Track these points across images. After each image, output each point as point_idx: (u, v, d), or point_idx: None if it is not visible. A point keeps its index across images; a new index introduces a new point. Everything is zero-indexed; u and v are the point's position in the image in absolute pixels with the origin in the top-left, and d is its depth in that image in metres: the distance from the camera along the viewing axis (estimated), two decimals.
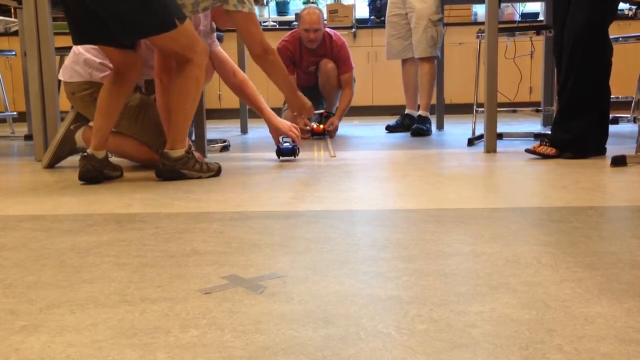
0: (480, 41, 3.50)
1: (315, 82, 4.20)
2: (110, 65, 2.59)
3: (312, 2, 6.76)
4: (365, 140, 3.74)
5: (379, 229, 1.47)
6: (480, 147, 3.17)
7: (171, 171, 2.27)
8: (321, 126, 3.90)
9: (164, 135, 2.57)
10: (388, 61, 4.49)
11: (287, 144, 2.84)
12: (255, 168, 2.61)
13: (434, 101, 4.35)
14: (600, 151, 2.74)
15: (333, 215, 1.63)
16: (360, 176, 2.31)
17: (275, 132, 2.91)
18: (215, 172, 2.37)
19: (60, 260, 1.26)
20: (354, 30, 6.22)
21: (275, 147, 2.87)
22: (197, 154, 2.38)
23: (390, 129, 4.32)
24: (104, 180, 2.30)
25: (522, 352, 0.79)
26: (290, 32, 4.19)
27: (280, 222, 1.56)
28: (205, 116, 3.07)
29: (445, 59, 4.60)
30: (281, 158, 2.85)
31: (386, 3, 4.35)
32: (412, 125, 4.10)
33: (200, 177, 2.32)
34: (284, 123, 2.93)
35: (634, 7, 2.96)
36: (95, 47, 2.57)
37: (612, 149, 2.81)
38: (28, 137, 4.09)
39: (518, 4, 5.44)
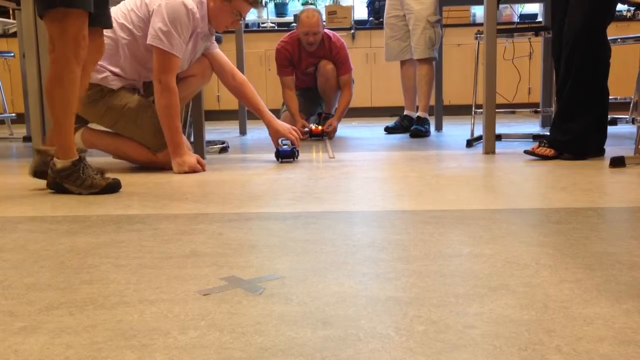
0: (478, 42, 3.50)
1: (314, 84, 4.20)
2: (110, 67, 2.59)
3: (311, 4, 6.76)
4: (364, 142, 3.74)
5: (377, 230, 1.47)
6: (479, 148, 3.17)
7: (55, 184, 2.09)
8: (320, 127, 3.90)
9: (162, 136, 2.58)
10: (387, 62, 4.50)
11: (287, 146, 2.84)
12: (254, 169, 2.61)
13: (432, 102, 4.35)
14: (599, 152, 2.75)
15: (332, 217, 1.63)
16: (359, 177, 2.31)
17: (275, 134, 2.91)
18: (101, 189, 2.07)
19: (59, 262, 1.26)
20: (352, 31, 6.22)
21: (275, 150, 2.88)
22: (92, 166, 2.13)
23: (389, 130, 4.33)
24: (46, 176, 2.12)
25: (521, 353, 0.79)
26: (288, 33, 4.20)
27: (279, 224, 1.56)
28: (204, 117, 3.07)
29: (444, 60, 4.61)
30: (281, 160, 2.85)
31: (385, 4, 4.36)
32: (410, 127, 4.10)
33: (80, 193, 2.07)
34: (283, 125, 2.93)
35: (632, 8, 2.97)
36: None
37: (611, 150, 2.81)
38: (27, 139, 4.08)
39: (516, 5, 5.45)
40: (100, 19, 2.12)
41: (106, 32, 2.58)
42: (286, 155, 2.83)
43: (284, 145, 2.85)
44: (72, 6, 1.94)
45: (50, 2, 1.92)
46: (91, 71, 2.22)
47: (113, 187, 2.10)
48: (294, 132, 2.93)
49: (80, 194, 2.07)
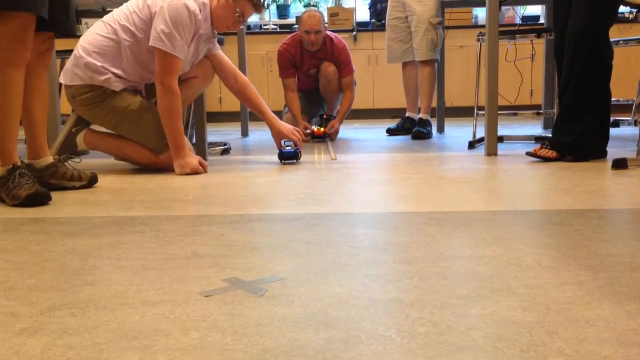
0: (480, 44, 3.50)
1: (316, 85, 4.20)
2: (112, 69, 2.60)
3: (313, 5, 6.77)
4: (366, 143, 3.74)
5: (379, 232, 1.47)
6: (481, 150, 3.17)
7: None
8: (322, 129, 3.90)
9: (164, 138, 2.58)
10: (388, 64, 4.50)
11: (290, 147, 2.84)
12: (256, 171, 2.61)
13: (434, 104, 4.35)
14: (601, 154, 2.74)
15: (334, 218, 1.63)
16: (361, 179, 2.31)
17: (278, 135, 2.91)
18: (21, 200, 1.89)
19: (60, 263, 1.26)
20: (354, 33, 6.22)
21: (278, 151, 2.88)
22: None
23: (391, 132, 4.32)
24: (50, 189, 2.00)
25: (523, 354, 0.79)
26: (291, 35, 4.20)
27: (281, 225, 1.56)
28: (206, 119, 3.07)
29: (446, 62, 4.60)
30: (283, 162, 2.85)
31: (387, 6, 4.36)
32: (412, 128, 4.10)
33: (12, 205, 1.92)
34: (286, 126, 2.93)
35: (634, 10, 2.96)
36: (96, 50, 2.58)
37: (613, 151, 2.81)
38: None
39: (519, 6, 5.45)
40: (50, 23, 1.95)
41: (109, 34, 2.60)
42: (289, 157, 2.83)
43: (286, 146, 2.85)
44: (12, 9, 1.79)
45: None
46: (44, 77, 2.11)
47: (33, 199, 1.90)
48: (297, 133, 2.93)
49: (13, 205, 1.91)
